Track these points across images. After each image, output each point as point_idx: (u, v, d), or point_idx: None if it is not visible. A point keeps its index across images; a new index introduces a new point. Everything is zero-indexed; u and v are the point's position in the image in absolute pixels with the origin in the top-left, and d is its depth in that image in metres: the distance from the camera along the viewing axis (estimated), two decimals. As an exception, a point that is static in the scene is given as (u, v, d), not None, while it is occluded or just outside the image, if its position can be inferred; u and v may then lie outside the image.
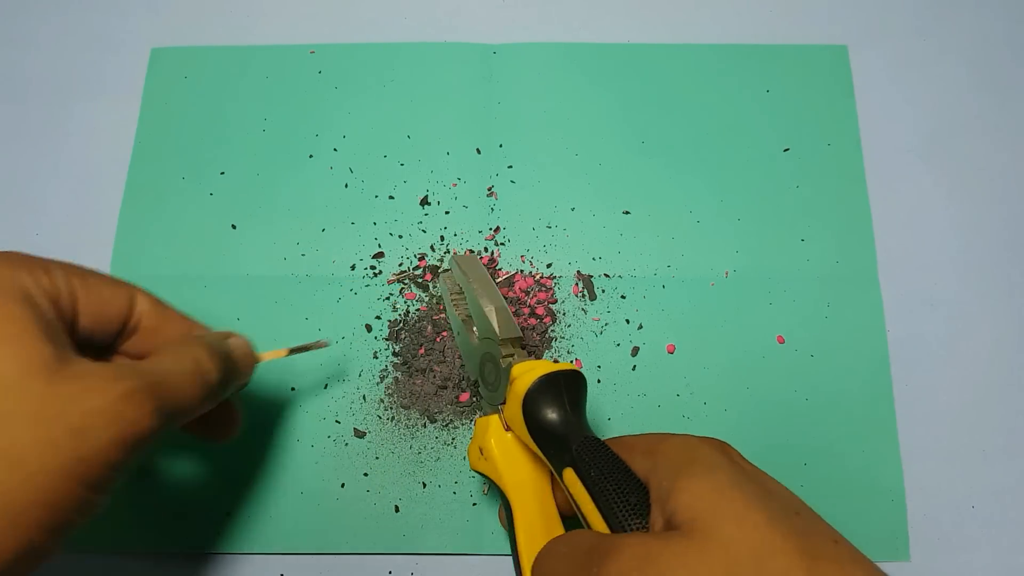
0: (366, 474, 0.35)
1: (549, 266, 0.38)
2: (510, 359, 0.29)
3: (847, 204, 0.39)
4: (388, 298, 0.37)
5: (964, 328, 0.37)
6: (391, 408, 0.36)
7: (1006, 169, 0.40)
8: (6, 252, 0.24)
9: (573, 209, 0.39)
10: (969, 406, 0.36)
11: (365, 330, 0.37)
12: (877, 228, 0.38)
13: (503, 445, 0.29)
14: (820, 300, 0.37)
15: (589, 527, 0.24)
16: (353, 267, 0.38)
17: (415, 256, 0.38)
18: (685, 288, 0.37)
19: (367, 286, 0.37)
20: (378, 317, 0.37)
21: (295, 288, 0.37)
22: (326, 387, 0.36)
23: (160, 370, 0.24)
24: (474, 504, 0.34)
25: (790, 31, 0.42)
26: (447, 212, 0.39)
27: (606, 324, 0.37)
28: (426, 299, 0.37)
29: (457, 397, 0.35)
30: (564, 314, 0.37)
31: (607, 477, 0.24)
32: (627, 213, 0.39)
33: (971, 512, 0.35)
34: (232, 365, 0.28)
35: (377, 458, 0.35)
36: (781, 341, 0.37)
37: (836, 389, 0.36)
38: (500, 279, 0.37)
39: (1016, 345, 0.37)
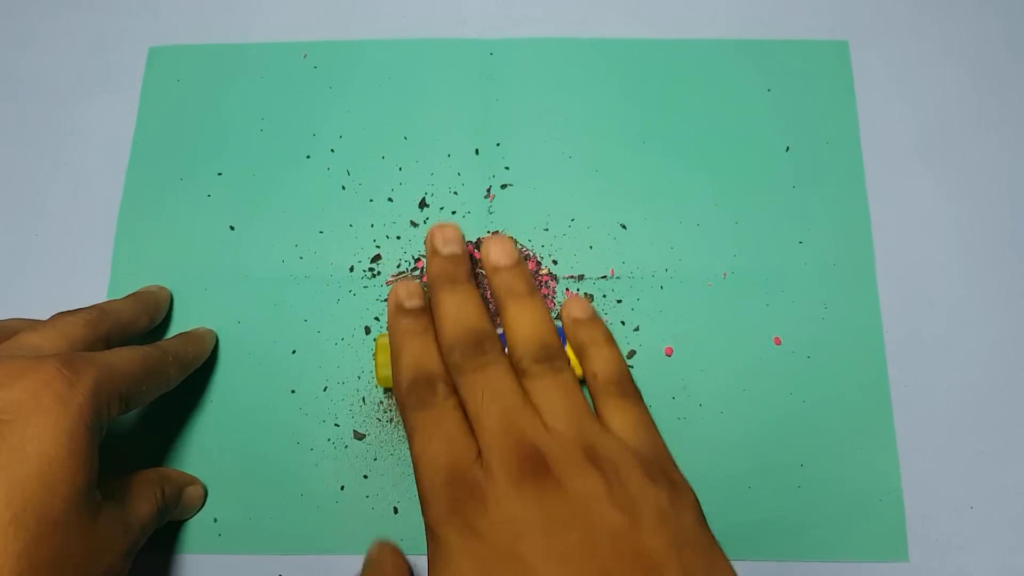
0: (366, 476, 0.35)
1: (546, 268, 0.38)
2: None
3: (846, 204, 0.39)
4: (387, 299, 0.37)
5: (963, 328, 0.37)
6: (390, 410, 0.36)
7: (1007, 168, 0.39)
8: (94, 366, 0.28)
9: (570, 213, 0.38)
10: (968, 406, 0.36)
11: (364, 332, 0.37)
12: (876, 228, 0.38)
13: None
14: (817, 301, 0.37)
15: None
16: (351, 268, 0.38)
17: (412, 258, 0.38)
18: (683, 290, 0.37)
19: (365, 287, 0.38)
20: (377, 319, 0.37)
21: (294, 290, 0.37)
22: (325, 390, 0.36)
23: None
24: None
25: (790, 26, 0.42)
26: (443, 211, 0.39)
27: (603, 326, 0.37)
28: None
29: None
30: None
31: None
32: (624, 224, 0.38)
33: (970, 513, 0.35)
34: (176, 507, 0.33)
35: (376, 460, 0.35)
36: (778, 343, 0.36)
37: (833, 390, 0.36)
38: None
39: (1015, 345, 0.37)
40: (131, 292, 0.36)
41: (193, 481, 0.34)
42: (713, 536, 0.27)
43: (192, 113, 0.41)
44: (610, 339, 0.33)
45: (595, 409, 0.31)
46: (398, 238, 0.38)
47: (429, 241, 0.33)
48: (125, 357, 0.30)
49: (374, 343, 0.35)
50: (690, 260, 0.38)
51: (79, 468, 0.26)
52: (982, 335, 0.37)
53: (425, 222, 0.39)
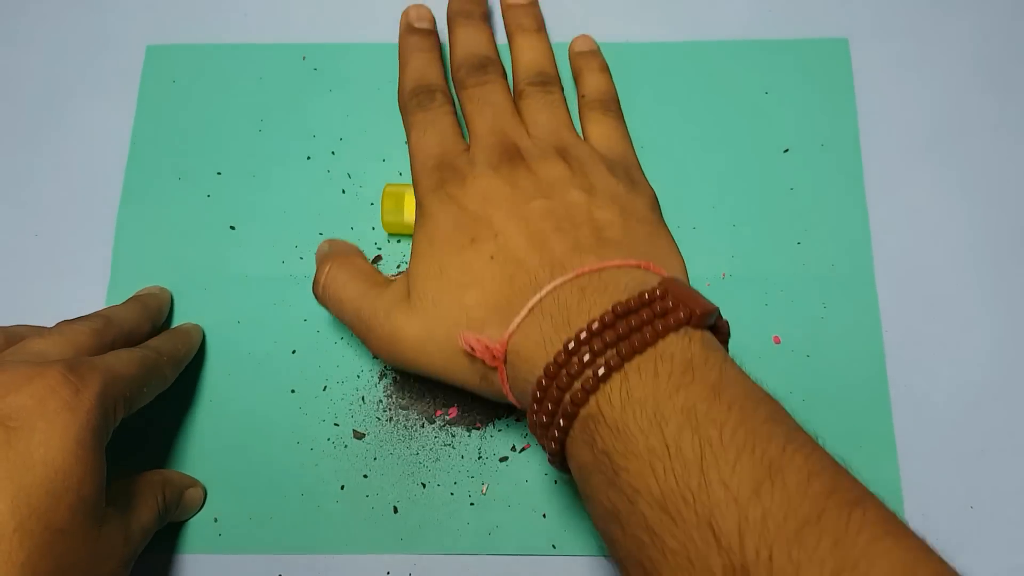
0: (365, 476, 0.35)
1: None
2: None
3: (844, 205, 0.38)
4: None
5: (962, 328, 0.37)
6: (389, 409, 0.36)
7: (1008, 167, 0.39)
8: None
9: None
10: (968, 406, 0.36)
11: None
12: (875, 227, 0.38)
13: None
14: (816, 301, 0.37)
15: None
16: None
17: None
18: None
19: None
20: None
21: (294, 290, 0.38)
22: (325, 389, 0.36)
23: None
24: (472, 504, 0.34)
25: (789, 25, 0.42)
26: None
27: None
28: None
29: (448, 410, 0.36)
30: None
31: None
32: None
33: (969, 512, 0.35)
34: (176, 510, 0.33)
35: (376, 459, 0.35)
36: (777, 342, 0.37)
37: (833, 389, 0.36)
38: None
39: (1015, 344, 0.37)
40: (132, 295, 0.36)
41: (193, 483, 0.34)
42: (663, 222, 0.33)
43: (190, 113, 0.41)
44: (604, 68, 0.39)
45: (581, 125, 0.37)
46: (399, 241, 0.38)
47: None
48: (124, 360, 0.30)
49: (382, 191, 0.37)
50: (689, 261, 0.37)
51: (85, 476, 0.26)
52: (982, 334, 0.37)
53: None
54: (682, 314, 0.24)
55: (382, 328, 0.31)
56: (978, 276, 0.38)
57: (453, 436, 0.35)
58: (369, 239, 0.38)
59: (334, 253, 0.35)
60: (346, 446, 0.35)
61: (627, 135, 0.37)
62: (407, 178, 0.39)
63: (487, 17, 0.38)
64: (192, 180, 0.39)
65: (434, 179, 0.32)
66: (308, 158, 0.40)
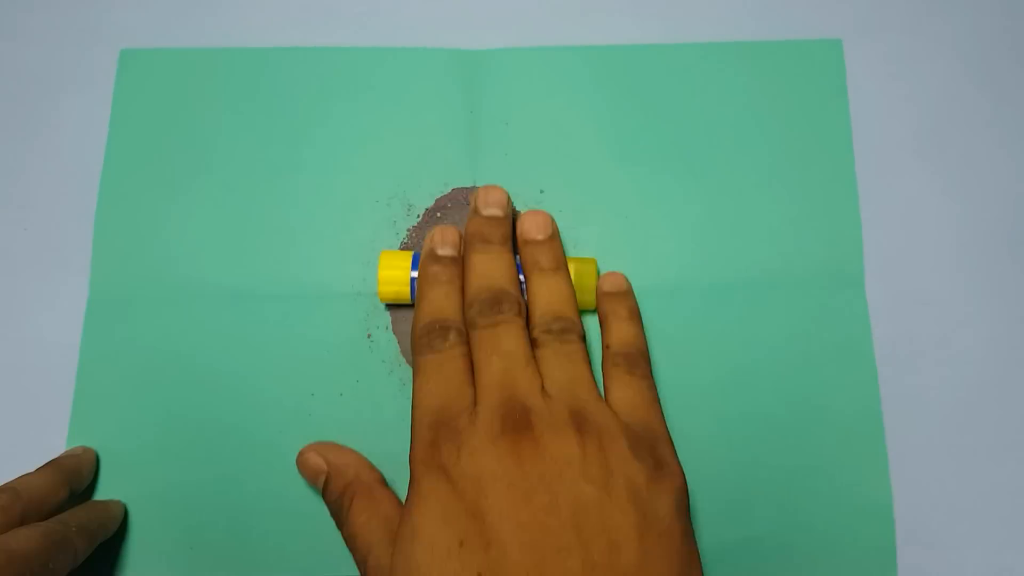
0: None
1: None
2: None
3: (836, 207, 0.38)
4: (384, 309, 0.37)
5: (955, 328, 0.37)
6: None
7: (1001, 167, 0.39)
8: None
9: (560, 221, 0.38)
10: (959, 406, 0.36)
11: (349, 348, 0.36)
12: (867, 228, 0.38)
13: None
14: (807, 301, 0.37)
15: None
16: (337, 282, 0.37)
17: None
18: (668, 298, 0.37)
19: (358, 293, 0.37)
20: (369, 335, 0.37)
21: (274, 305, 0.37)
22: (310, 415, 0.36)
23: None
24: None
25: (782, 26, 0.41)
26: (440, 219, 0.38)
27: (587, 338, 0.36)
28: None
29: None
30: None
31: None
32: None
33: (961, 512, 0.35)
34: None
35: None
36: (767, 347, 0.36)
37: (823, 389, 0.36)
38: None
39: (1008, 345, 0.37)
40: (49, 461, 0.34)
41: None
42: (690, 529, 0.27)
43: (166, 118, 0.39)
44: (634, 315, 0.35)
45: (603, 382, 0.32)
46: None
47: (472, 201, 0.35)
48: (23, 537, 0.28)
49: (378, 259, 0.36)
50: (679, 265, 0.38)
51: None
52: (972, 334, 0.37)
53: (418, 228, 0.38)
54: None
55: None
56: (969, 276, 0.38)
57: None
58: (354, 249, 0.38)
59: (355, 490, 0.31)
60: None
61: (656, 399, 0.32)
62: (392, 184, 0.38)
63: (508, 241, 0.34)
64: (171, 190, 0.38)
65: (428, 441, 0.28)
66: (292, 166, 0.39)
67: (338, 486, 0.32)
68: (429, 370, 0.30)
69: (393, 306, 0.37)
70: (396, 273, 0.34)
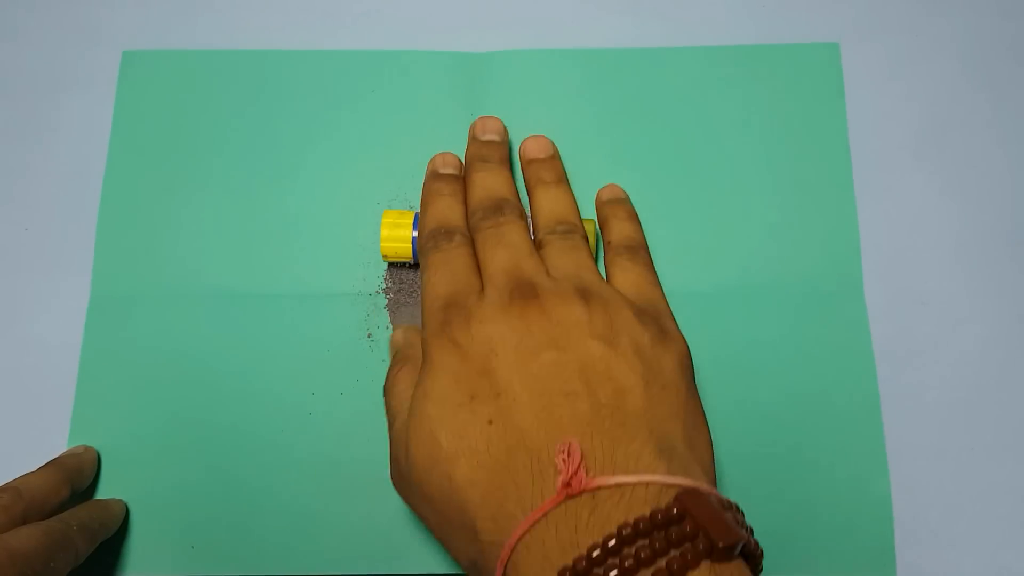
0: (351, 496, 0.35)
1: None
2: None
3: (834, 209, 0.38)
4: (384, 308, 0.37)
5: (953, 327, 0.37)
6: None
7: (998, 168, 0.39)
8: None
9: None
10: (958, 405, 0.37)
11: (350, 347, 0.37)
12: (865, 229, 0.38)
13: None
14: (806, 302, 0.37)
15: None
16: (339, 284, 0.37)
17: (403, 271, 0.38)
18: (669, 300, 0.37)
19: (359, 293, 0.37)
20: (369, 335, 0.37)
21: (275, 305, 0.37)
22: (310, 415, 0.36)
23: None
24: None
25: (780, 29, 0.41)
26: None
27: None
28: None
29: None
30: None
31: None
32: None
33: (959, 510, 0.35)
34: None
35: (361, 479, 0.35)
36: (766, 347, 0.37)
37: (822, 390, 0.36)
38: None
39: (1006, 344, 0.37)
40: (50, 460, 0.34)
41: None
42: (695, 390, 0.28)
43: (168, 120, 0.39)
44: (632, 216, 0.36)
45: (606, 272, 0.34)
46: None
47: (471, 130, 0.37)
48: (25, 536, 0.29)
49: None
50: (677, 267, 0.38)
51: None
52: (973, 334, 0.37)
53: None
54: (701, 546, 0.21)
55: (394, 464, 0.29)
56: (967, 276, 0.38)
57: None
58: (356, 251, 0.38)
59: (408, 359, 0.32)
60: (331, 465, 0.35)
61: (658, 282, 0.33)
62: (394, 186, 0.39)
63: (506, 162, 0.36)
64: (173, 193, 0.39)
65: (440, 321, 0.28)
66: (295, 168, 0.39)
67: (398, 357, 0.33)
68: (436, 265, 0.31)
69: (393, 307, 0.37)
70: (398, 231, 0.35)
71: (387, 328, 0.37)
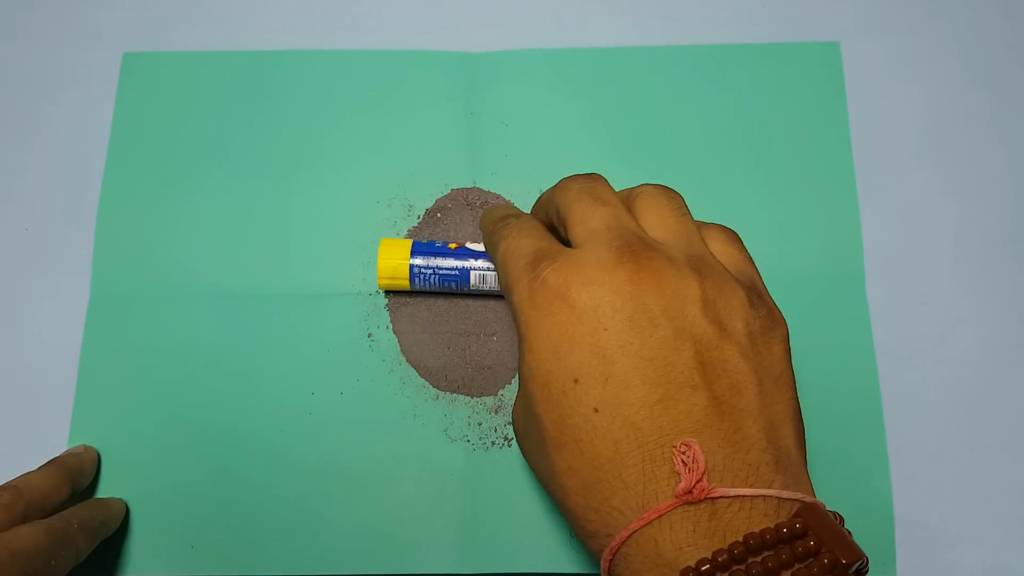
0: (348, 496, 0.35)
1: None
2: None
3: (835, 208, 0.39)
4: (384, 308, 0.37)
5: (954, 327, 0.37)
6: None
7: (997, 169, 0.39)
8: None
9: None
10: (957, 404, 0.37)
11: (349, 347, 0.37)
12: (867, 228, 0.38)
13: None
14: (808, 300, 0.37)
15: None
16: (336, 283, 0.37)
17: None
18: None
19: (358, 292, 0.37)
20: (369, 335, 0.37)
21: (275, 305, 0.37)
22: (310, 414, 0.36)
23: None
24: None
25: (780, 28, 0.41)
26: (433, 221, 0.38)
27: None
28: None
29: None
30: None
31: None
32: None
33: (959, 510, 0.35)
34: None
35: (359, 480, 0.35)
36: None
37: (824, 388, 0.36)
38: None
39: (1006, 343, 0.37)
40: (50, 459, 0.34)
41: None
42: (792, 372, 0.26)
43: (168, 120, 0.40)
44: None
45: None
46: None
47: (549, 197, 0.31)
48: (25, 534, 0.29)
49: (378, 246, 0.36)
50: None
51: None
52: (973, 333, 0.37)
53: (415, 231, 0.38)
54: (826, 561, 0.20)
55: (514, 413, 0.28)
56: (968, 275, 0.38)
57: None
58: (353, 251, 0.38)
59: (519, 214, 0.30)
60: (330, 466, 0.35)
61: (751, 259, 0.29)
62: (392, 186, 0.39)
63: None
64: (172, 192, 0.39)
65: (530, 278, 0.25)
66: (294, 168, 0.39)
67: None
68: (512, 232, 0.28)
69: (393, 307, 0.37)
70: (395, 262, 0.35)
71: (387, 328, 0.37)
